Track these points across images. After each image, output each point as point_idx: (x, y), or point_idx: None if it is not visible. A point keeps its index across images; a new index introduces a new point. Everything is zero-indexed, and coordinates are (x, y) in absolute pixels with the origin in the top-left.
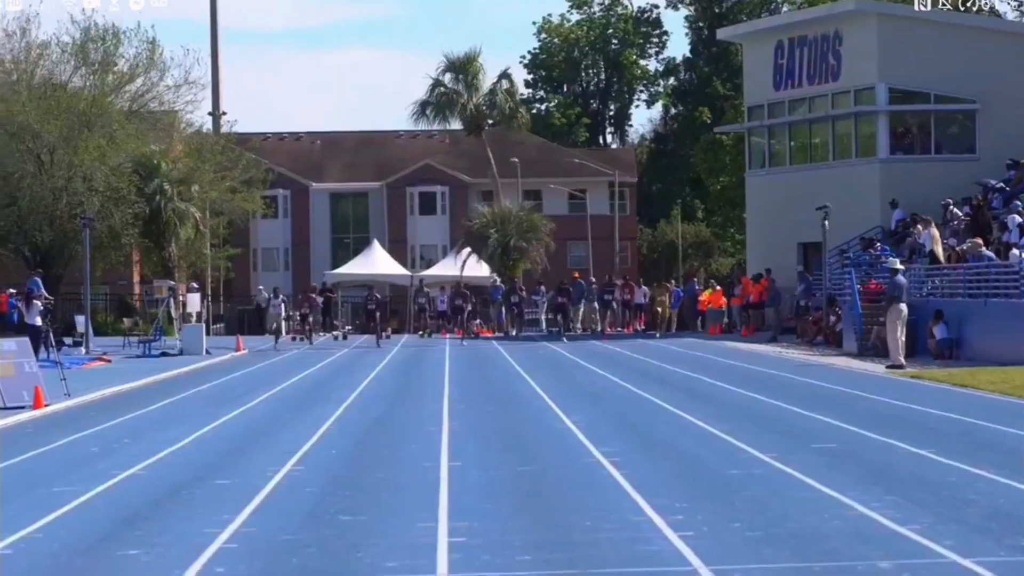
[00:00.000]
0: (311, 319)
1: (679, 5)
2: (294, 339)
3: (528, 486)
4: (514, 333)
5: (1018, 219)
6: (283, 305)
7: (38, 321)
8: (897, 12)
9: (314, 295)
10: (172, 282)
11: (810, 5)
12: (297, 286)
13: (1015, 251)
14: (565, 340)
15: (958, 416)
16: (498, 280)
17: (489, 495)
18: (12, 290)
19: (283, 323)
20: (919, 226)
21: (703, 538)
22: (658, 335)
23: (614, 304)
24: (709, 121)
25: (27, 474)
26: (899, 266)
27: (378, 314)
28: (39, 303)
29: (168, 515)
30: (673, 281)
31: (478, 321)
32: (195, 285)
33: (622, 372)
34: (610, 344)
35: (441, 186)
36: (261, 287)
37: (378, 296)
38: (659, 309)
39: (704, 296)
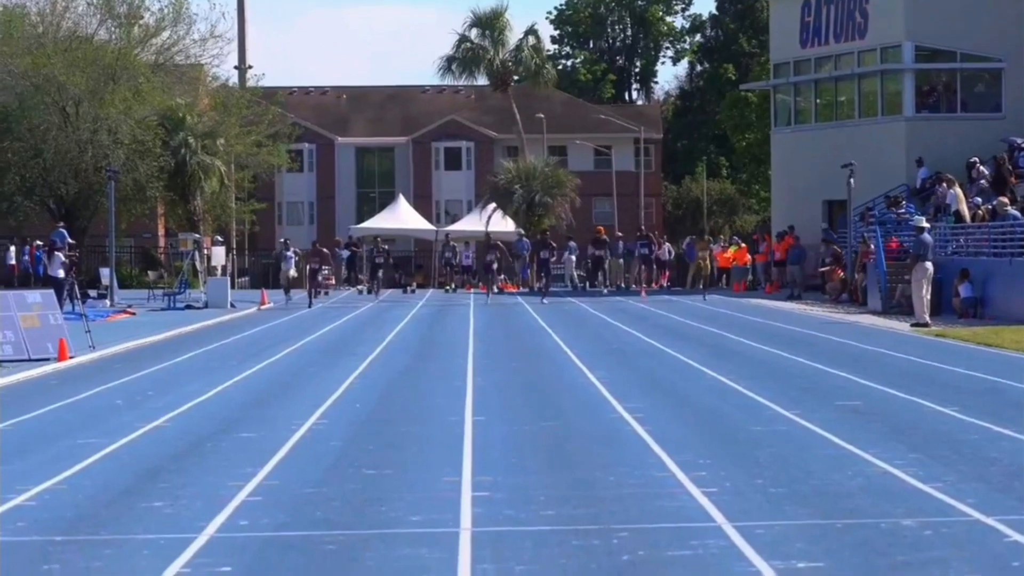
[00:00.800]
0: (320, 275)
1: None
2: (325, 293)
3: (552, 441)
4: (540, 289)
5: None
6: (293, 259)
7: (60, 273)
8: None
9: (325, 249)
10: (197, 235)
11: None
12: (322, 240)
13: None
14: (606, 292)
15: (982, 374)
16: (524, 234)
17: (513, 450)
18: (39, 242)
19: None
20: (944, 185)
21: (726, 494)
22: (704, 295)
23: (652, 258)
24: (734, 78)
25: (52, 426)
26: (924, 224)
27: (381, 268)
28: (62, 255)
29: (192, 467)
30: (710, 237)
31: (502, 276)
32: (220, 238)
33: (646, 328)
34: (633, 300)
35: (466, 141)
36: (283, 240)
37: (385, 248)
38: (702, 264)
39: (729, 253)
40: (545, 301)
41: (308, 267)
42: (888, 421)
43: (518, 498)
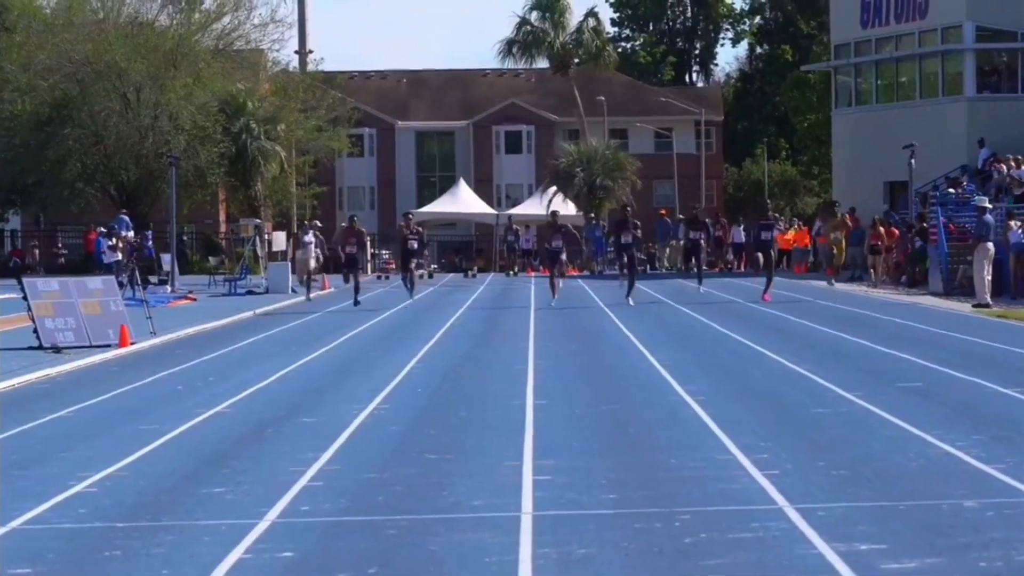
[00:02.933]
0: (357, 262)
1: None
2: (379, 278)
3: (613, 424)
4: (622, 276)
5: None
6: (313, 244)
7: (118, 256)
8: None
9: (362, 228)
10: (258, 221)
11: None
12: (383, 225)
13: None
14: (702, 290)
15: None
16: (595, 219)
17: (574, 433)
18: (102, 228)
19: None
20: (1003, 165)
21: (788, 476)
22: (833, 280)
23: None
24: (792, 60)
25: (112, 412)
26: (987, 204)
27: (415, 256)
28: (119, 242)
29: (253, 453)
30: (844, 215)
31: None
32: (317, 223)
33: (707, 311)
34: (692, 283)
35: (527, 125)
36: (307, 221)
37: (420, 229)
38: (834, 248)
39: (789, 235)
40: (631, 302)
41: (345, 251)
42: (950, 402)
43: (579, 481)
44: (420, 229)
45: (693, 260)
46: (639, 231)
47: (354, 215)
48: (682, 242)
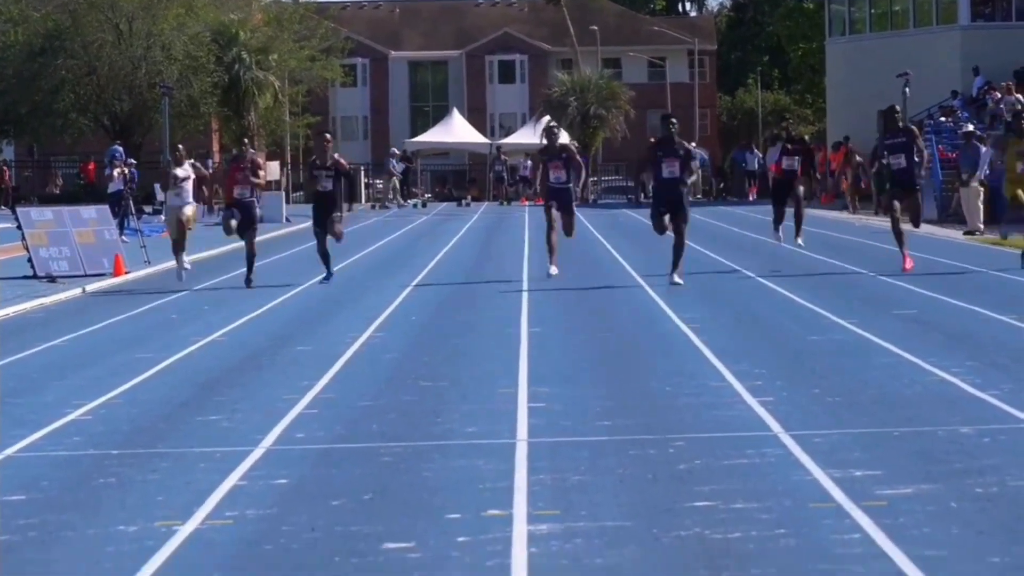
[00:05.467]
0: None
1: None
2: (372, 207)
3: (608, 352)
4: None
5: None
6: (190, 184)
7: (121, 185)
8: None
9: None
10: (252, 150)
11: None
12: (376, 154)
13: None
14: (800, 242)
15: None
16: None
17: (569, 361)
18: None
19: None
20: (997, 93)
21: (782, 403)
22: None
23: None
24: None
25: (107, 341)
26: (971, 129)
27: (331, 198)
28: (116, 172)
29: (248, 381)
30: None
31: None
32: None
33: (701, 239)
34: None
35: (520, 54)
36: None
37: (342, 161)
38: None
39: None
40: (677, 278)
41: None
42: (945, 330)
43: (574, 409)
44: (342, 161)
45: (786, 198)
46: (696, 160)
47: (245, 140)
48: (765, 170)
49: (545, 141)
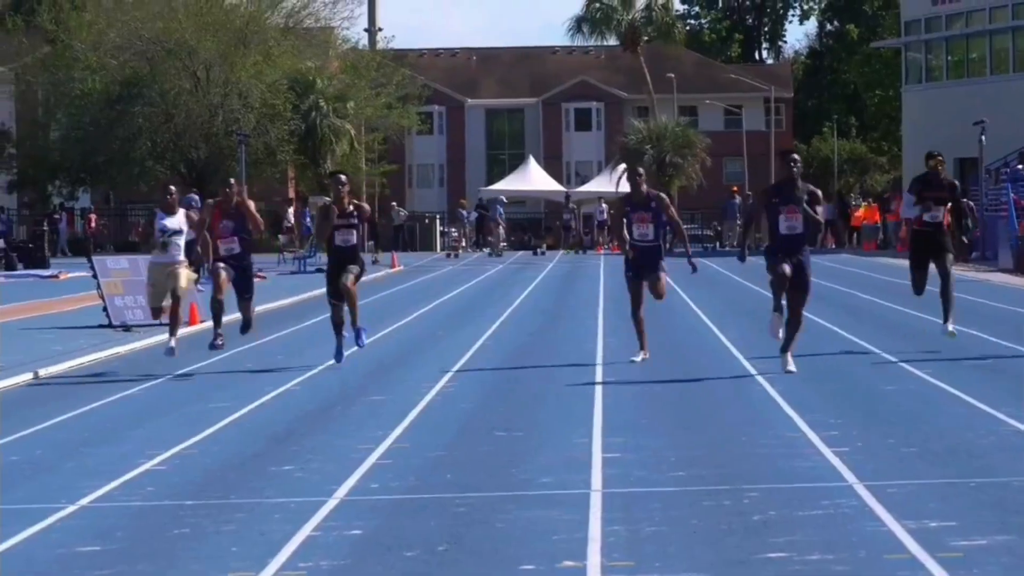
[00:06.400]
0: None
1: None
2: (448, 256)
3: (684, 401)
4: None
5: None
6: (182, 238)
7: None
8: None
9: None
10: (328, 199)
11: None
12: (452, 203)
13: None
14: (951, 328)
15: None
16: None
17: (644, 411)
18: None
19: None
20: None
21: (858, 454)
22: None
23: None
24: (853, 39)
25: (182, 390)
26: None
27: (351, 253)
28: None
29: (322, 431)
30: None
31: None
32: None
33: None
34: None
35: (596, 102)
36: (394, 204)
37: (364, 206)
38: None
39: (860, 212)
40: (791, 363)
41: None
42: (1021, 379)
43: (648, 459)
44: (364, 206)
45: (931, 264)
46: (820, 206)
47: (232, 180)
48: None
49: (628, 187)
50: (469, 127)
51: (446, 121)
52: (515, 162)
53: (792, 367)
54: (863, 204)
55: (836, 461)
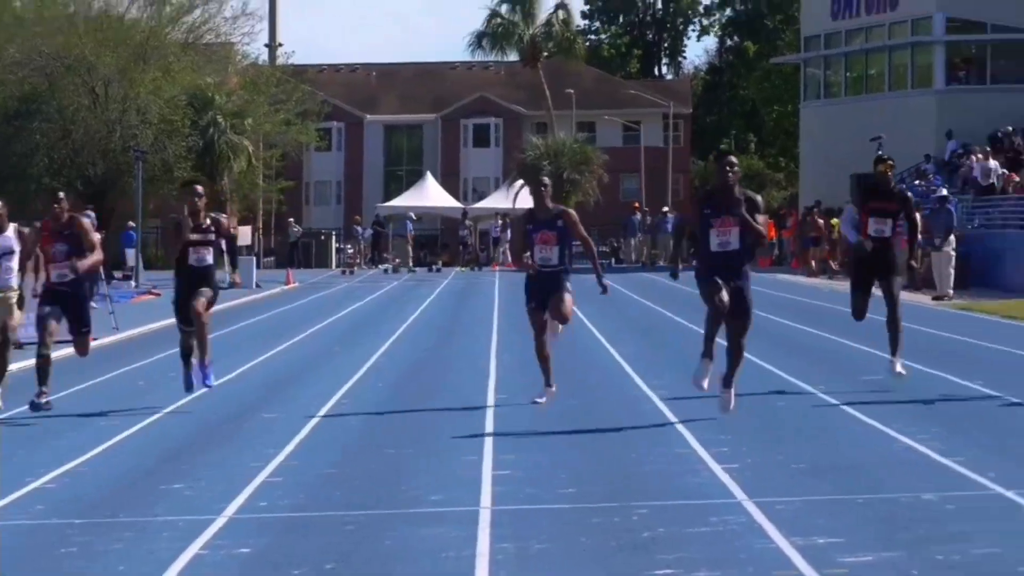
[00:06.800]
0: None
1: None
2: (343, 272)
3: (574, 419)
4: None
5: None
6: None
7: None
8: None
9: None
10: (224, 215)
11: None
12: (349, 219)
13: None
14: (899, 367)
15: (1007, 348)
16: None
17: (536, 428)
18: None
19: None
20: (972, 157)
21: (747, 470)
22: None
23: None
24: (752, 55)
25: (72, 409)
26: (945, 193)
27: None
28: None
29: (213, 449)
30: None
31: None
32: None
33: (675, 305)
34: (658, 276)
35: (495, 118)
36: (291, 220)
37: (226, 221)
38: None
39: None
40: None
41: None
42: (911, 395)
43: (539, 476)
44: (223, 220)
45: (875, 283)
46: (761, 214)
47: (60, 194)
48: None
49: (530, 202)
50: (368, 143)
51: (344, 137)
52: (413, 178)
53: (733, 405)
54: None
55: (726, 478)
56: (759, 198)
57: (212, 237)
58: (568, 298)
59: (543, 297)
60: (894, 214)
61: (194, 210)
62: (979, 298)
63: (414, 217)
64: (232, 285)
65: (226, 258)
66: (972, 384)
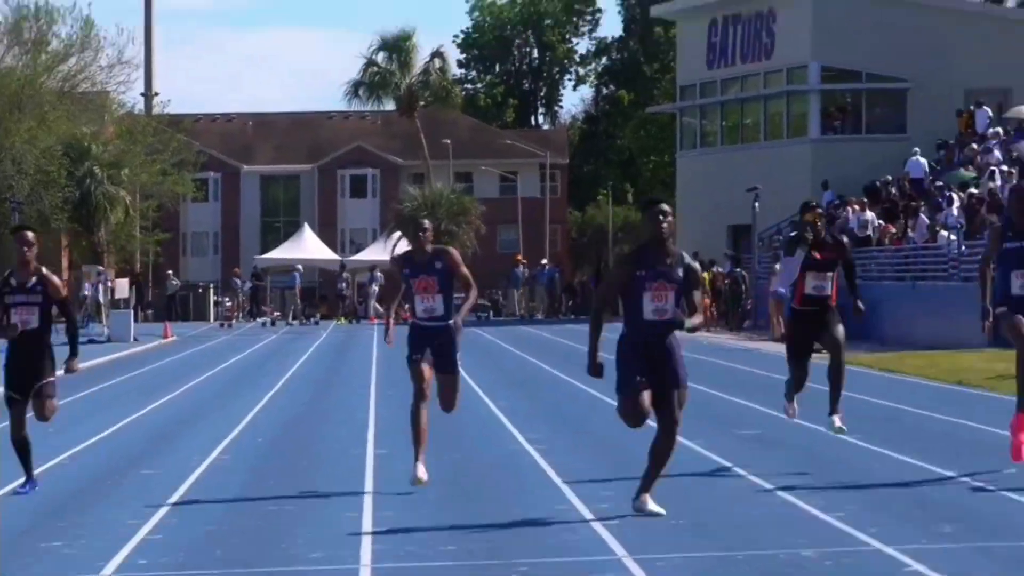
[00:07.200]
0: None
1: None
2: (222, 325)
3: (454, 474)
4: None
5: (955, 201)
6: None
7: None
8: None
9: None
10: (101, 268)
11: None
12: (226, 271)
13: (943, 232)
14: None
15: (884, 401)
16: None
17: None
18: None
19: None
20: (849, 208)
21: (627, 526)
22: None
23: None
24: (627, 103)
25: None
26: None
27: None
28: None
29: (92, 506)
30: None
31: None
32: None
33: (549, 357)
34: (538, 329)
35: (372, 168)
36: (170, 272)
37: (48, 277)
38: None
39: None
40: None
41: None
42: (790, 449)
43: (419, 533)
44: (54, 279)
45: (815, 343)
46: (698, 290)
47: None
48: (782, 299)
49: (402, 246)
50: (244, 194)
51: (221, 188)
52: (290, 229)
53: (653, 507)
54: None
55: (606, 534)
56: (696, 266)
57: (38, 299)
58: (459, 383)
59: (431, 353)
60: (832, 265)
61: (22, 260)
62: (855, 351)
63: (301, 269)
64: (69, 371)
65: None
66: (849, 439)
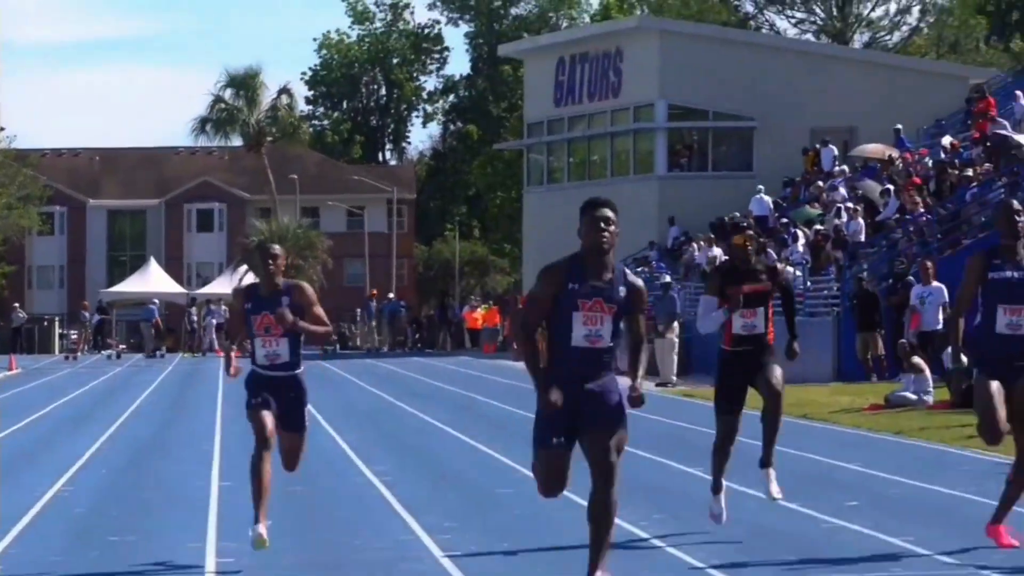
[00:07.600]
0: None
1: (459, 22)
2: (66, 358)
3: (299, 506)
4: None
5: (801, 238)
6: None
7: None
8: (678, 29)
9: None
10: None
11: (593, 23)
12: (73, 304)
13: (790, 268)
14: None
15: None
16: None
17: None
18: None
19: None
20: (694, 244)
21: (471, 557)
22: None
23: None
24: (476, 139)
25: None
26: (668, 280)
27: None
28: None
29: None
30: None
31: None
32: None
33: (395, 390)
34: (384, 362)
35: (219, 203)
36: (16, 305)
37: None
38: None
39: (479, 314)
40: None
41: None
42: (636, 482)
43: (262, 564)
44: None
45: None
46: (642, 314)
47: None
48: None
49: (249, 279)
50: (91, 228)
51: (67, 222)
52: (137, 263)
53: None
54: (483, 307)
55: (449, 564)
56: (641, 284)
57: None
58: (304, 437)
59: (276, 407)
60: (766, 297)
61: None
62: (701, 384)
63: (157, 303)
64: None
65: None
66: (695, 471)
